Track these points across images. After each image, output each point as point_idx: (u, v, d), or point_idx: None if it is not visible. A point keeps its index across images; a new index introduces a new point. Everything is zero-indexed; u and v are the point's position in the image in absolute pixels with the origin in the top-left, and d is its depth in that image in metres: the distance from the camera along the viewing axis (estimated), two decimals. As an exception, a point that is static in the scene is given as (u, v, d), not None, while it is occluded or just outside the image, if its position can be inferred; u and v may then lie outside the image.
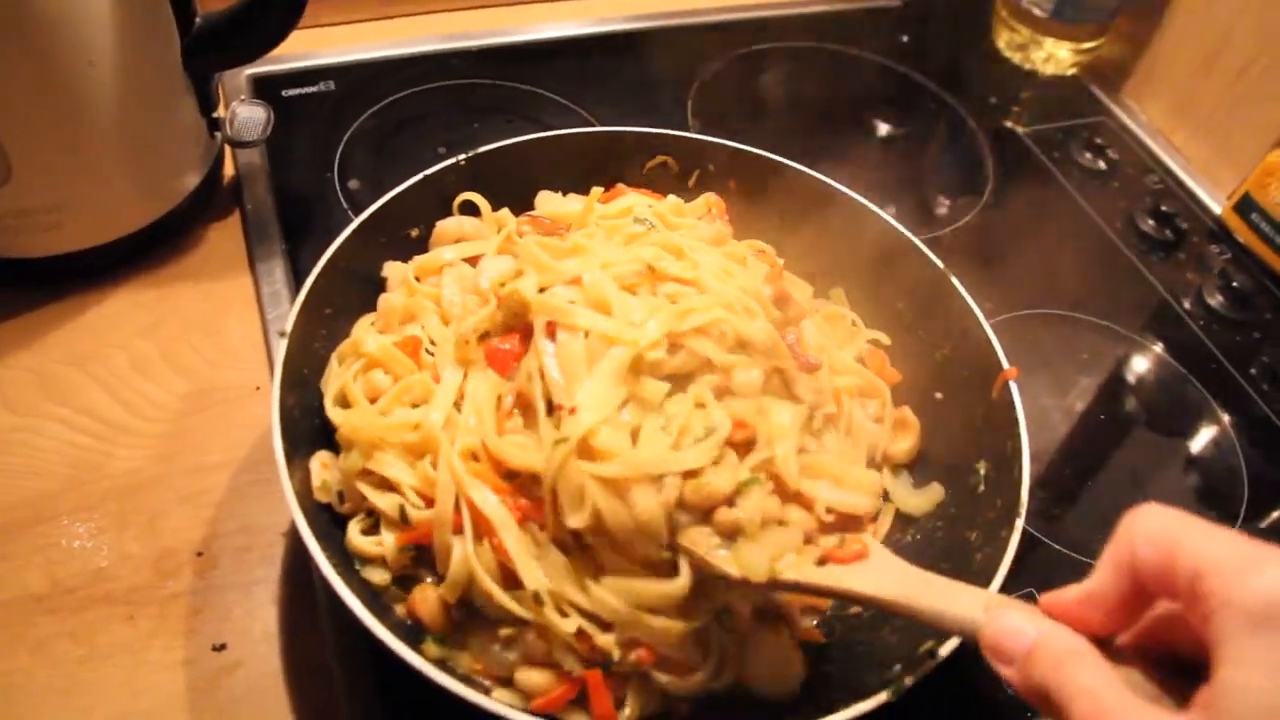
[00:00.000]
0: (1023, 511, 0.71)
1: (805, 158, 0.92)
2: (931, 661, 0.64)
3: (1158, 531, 0.47)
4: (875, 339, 0.89)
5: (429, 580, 0.70)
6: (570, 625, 0.63)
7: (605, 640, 0.64)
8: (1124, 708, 0.45)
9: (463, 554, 0.65)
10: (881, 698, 0.62)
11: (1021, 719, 0.78)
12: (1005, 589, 0.84)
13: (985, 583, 0.67)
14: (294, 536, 0.80)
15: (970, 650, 0.79)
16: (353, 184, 1.04)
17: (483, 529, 0.65)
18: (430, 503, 0.68)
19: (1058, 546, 0.89)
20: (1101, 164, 1.25)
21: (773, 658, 0.70)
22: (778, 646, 0.70)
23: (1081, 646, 0.48)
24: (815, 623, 0.75)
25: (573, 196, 0.90)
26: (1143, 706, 0.45)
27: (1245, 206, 1.18)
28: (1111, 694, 0.45)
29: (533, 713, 0.63)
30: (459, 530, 0.66)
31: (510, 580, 0.66)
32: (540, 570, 0.65)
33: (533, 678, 0.65)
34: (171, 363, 0.90)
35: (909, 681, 0.63)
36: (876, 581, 0.63)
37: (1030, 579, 0.86)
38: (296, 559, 0.79)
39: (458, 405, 0.71)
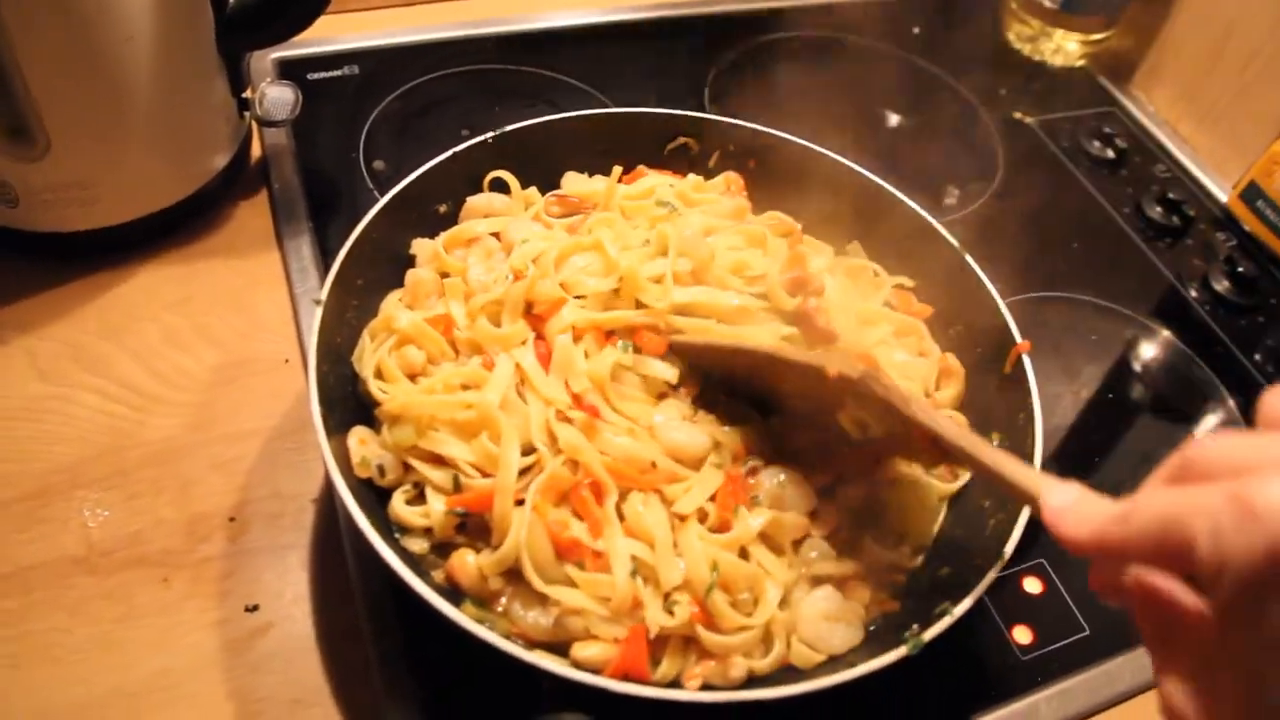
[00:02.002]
0: (1038, 480, 0.73)
1: (819, 145, 0.94)
2: (948, 619, 0.66)
3: None
4: (899, 283, 0.91)
5: (469, 547, 0.71)
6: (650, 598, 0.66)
7: (653, 611, 0.66)
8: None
9: (518, 533, 0.66)
10: (901, 651, 0.64)
11: (1029, 680, 0.80)
12: (1022, 558, 0.87)
13: (999, 550, 0.70)
14: (325, 503, 0.82)
15: (977, 617, 0.82)
16: (377, 164, 1.06)
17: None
18: (485, 477, 0.70)
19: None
20: (1110, 153, 1.27)
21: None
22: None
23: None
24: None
25: (598, 177, 0.92)
26: None
27: (1251, 194, 1.20)
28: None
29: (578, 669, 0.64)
30: (519, 502, 0.68)
31: (565, 552, 0.67)
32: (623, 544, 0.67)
33: (588, 651, 0.65)
34: (202, 335, 0.92)
35: (926, 637, 0.65)
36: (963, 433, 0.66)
37: (1042, 553, 0.88)
38: (328, 525, 0.81)
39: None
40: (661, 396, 0.77)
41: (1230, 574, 0.39)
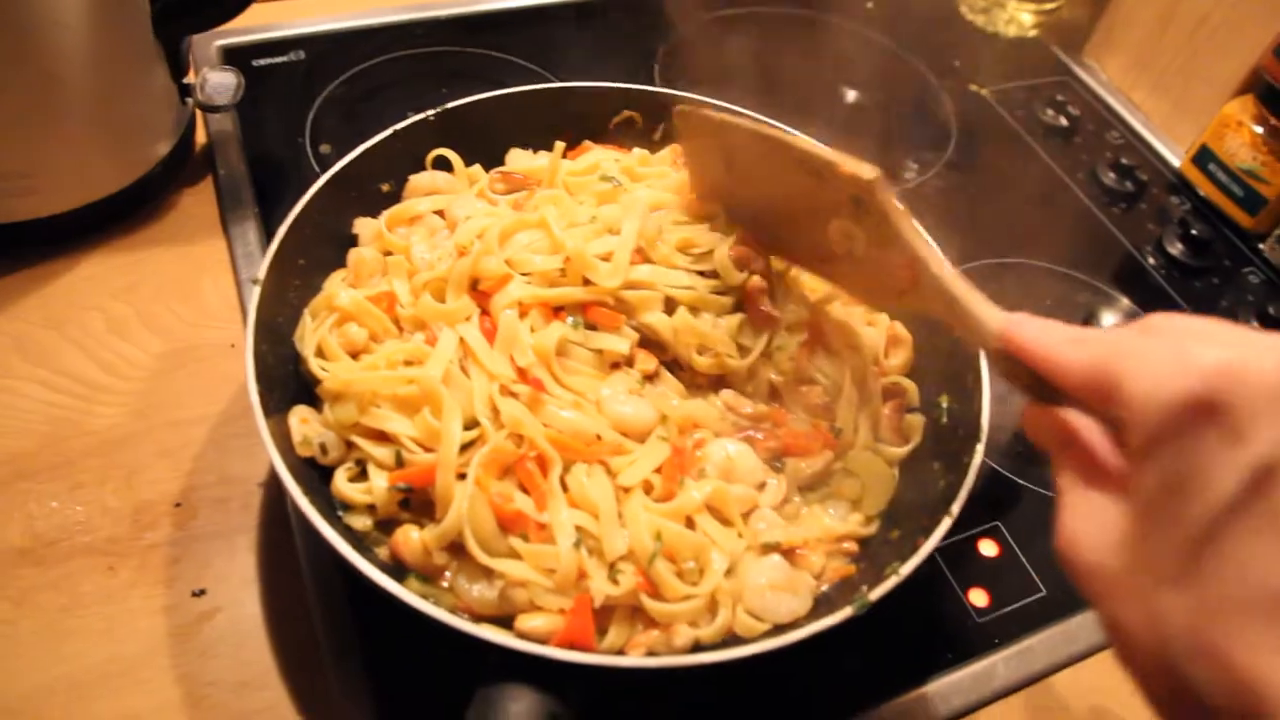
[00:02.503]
0: (983, 438, 0.73)
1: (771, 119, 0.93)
2: (894, 579, 0.65)
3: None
4: None
5: (413, 523, 0.70)
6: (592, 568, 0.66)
7: (598, 581, 0.65)
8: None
9: (460, 506, 0.65)
10: (847, 612, 0.64)
11: (987, 642, 0.81)
12: (977, 522, 0.87)
13: (948, 508, 0.69)
14: (272, 486, 0.82)
15: (934, 581, 0.82)
16: (324, 148, 1.06)
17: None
18: (428, 452, 0.69)
19: (1031, 485, 0.92)
20: (1064, 121, 1.28)
21: None
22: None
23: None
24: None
25: (542, 153, 0.91)
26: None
27: (1203, 158, 1.21)
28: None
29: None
30: (460, 477, 0.67)
31: (509, 525, 0.67)
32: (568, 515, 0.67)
33: (534, 623, 0.65)
34: (148, 323, 0.91)
35: (872, 597, 0.65)
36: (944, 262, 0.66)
37: (997, 516, 0.88)
38: (275, 508, 0.81)
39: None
40: (615, 367, 0.76)
41: (1154, 411, 0.43)
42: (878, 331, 0.85)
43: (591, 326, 0.76)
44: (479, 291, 0.77)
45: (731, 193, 0.81)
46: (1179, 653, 0.42)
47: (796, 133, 0.84)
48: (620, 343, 0.75)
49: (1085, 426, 0.52)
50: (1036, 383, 0.53)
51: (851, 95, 1.30)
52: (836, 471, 0.78)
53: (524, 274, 0.77)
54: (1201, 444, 0.41)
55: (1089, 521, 0.48)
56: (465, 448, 0.69)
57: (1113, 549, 0.46)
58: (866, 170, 0.68)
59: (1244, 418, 0.41)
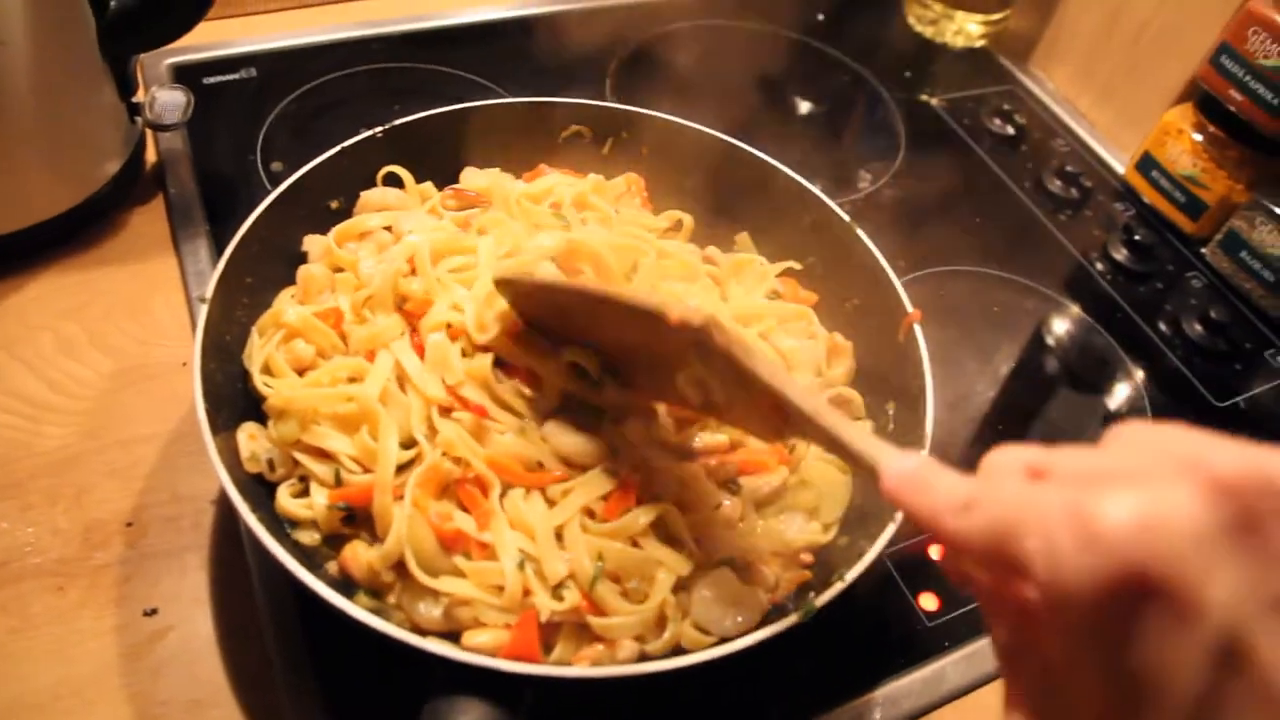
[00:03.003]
0: (927, 444, 0.74)
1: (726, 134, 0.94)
2: (840, 584, 0.66)
3: None
4: (786, 268, 0.91)
5: (361, 538, 0.70)
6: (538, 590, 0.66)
7: (542, 598, 0.66)
8: None
9: (399, 529, 0.66)
10: (792, 619, 0.65)
11: (937, 646, 0.82)
12: (918, 532, 0.88)
13: (893, 513, 0.70)
14: (223, 504, 0.82)
15: (883, 586, 0.83)
16: (275, 166, 1.06)
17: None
18: (367, 470, 0.70)
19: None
20: (1010, 129, 1.30)
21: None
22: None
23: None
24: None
25: (492, 170, 0.92)
26: None
27: (1145, 165, 1.23)
28: None
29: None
30: (399, 497, 0.67)
31: (450, 544, 0.67)
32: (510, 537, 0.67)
33: (479, 639, 0.65)
34: (98, 343, 0.91)
35: (819, 603, 0.66)
36: (806, 395, 0.60)
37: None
38: (226, 525, 0.80)
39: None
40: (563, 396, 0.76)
41: (1072, 602, 0.35)
42: (817, 344, 0.86)
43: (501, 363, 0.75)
44: (406, 311, 0.77)
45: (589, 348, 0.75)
46: None
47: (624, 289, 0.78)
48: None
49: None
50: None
51: (804, 107, 1.32)
52: (792, 485, 0.78)
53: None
54: (1145, 632, 0.34)
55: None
56: (404, 467, 0.69)
57: None
58: (695, 316, 0.62)
59: (1185, 585, 0.33)
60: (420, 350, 0.74)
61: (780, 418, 0.62)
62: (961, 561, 0.44)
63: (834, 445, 0.57)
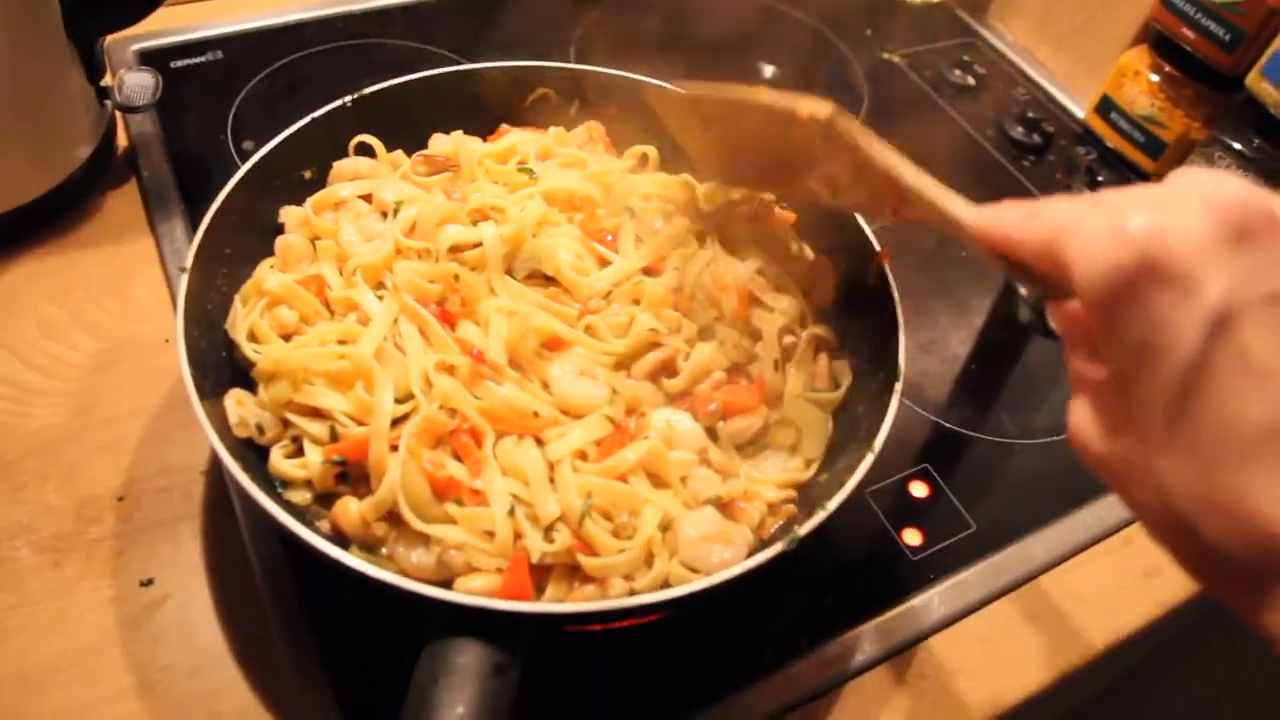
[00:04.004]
0: (900, 377, 0.76)
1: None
2: (822, 513, 0.68)
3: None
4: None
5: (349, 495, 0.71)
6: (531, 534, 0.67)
7: (533, 539, 0.67)
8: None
9: (393, 474, 0.67)
10: (778, 548, 0.66)
11: (922, 579, 0.84)
12: (907, 465, 0.91)
13: (870, 444, 0.71)
14: (214, 474, 0.83)
15: (867, 523, 0.85)
16: (247, 145, 1.06)
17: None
18: (362, 425, 0.71)
19: (955, 428, 0.96)
20: (971, 80, 1.32)
21: None
22: None
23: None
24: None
25: (456, 133, 0.93)
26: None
27: (1104, 107, 1.25)
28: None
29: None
30: (393, 448, 0.68)
31: (442, 491, 0.68)
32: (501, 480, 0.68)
33: (473, 584, 0.66)
34: (80, 324, 0.91)
35: (802, 533, 0.67)
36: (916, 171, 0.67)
37: (926, 458, 0.92)
38: (218, 494, 0.81)
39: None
40: (559, 345, 0.77)
41: (1099, 283, 0.44)
42: (803, 265, 0.88)
43: None
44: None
45: (737, 161, 0.85)
46: (1190, 515, 0.42)
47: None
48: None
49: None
50: (1024, 269, 0.54)
51: (769, 70, 1.33)
52: (773, 424, 0.80)
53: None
54: (1156, 306, 0.42)
55: (1089, 411, 0.49)
56: (400, 421, 0.70)
57: (1114, 434, 0.47)
58: (821, 108, 0.71)
59: (1188, 271, 0.41)
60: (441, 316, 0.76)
61: (895, 195, 0.69)
62: (1057, 309, 0.53)
63: (935, 211, 0.64)
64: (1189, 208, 0.43)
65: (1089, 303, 0.45)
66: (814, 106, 0.71)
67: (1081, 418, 0.49)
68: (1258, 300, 0.41)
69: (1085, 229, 0.45)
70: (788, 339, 0.82)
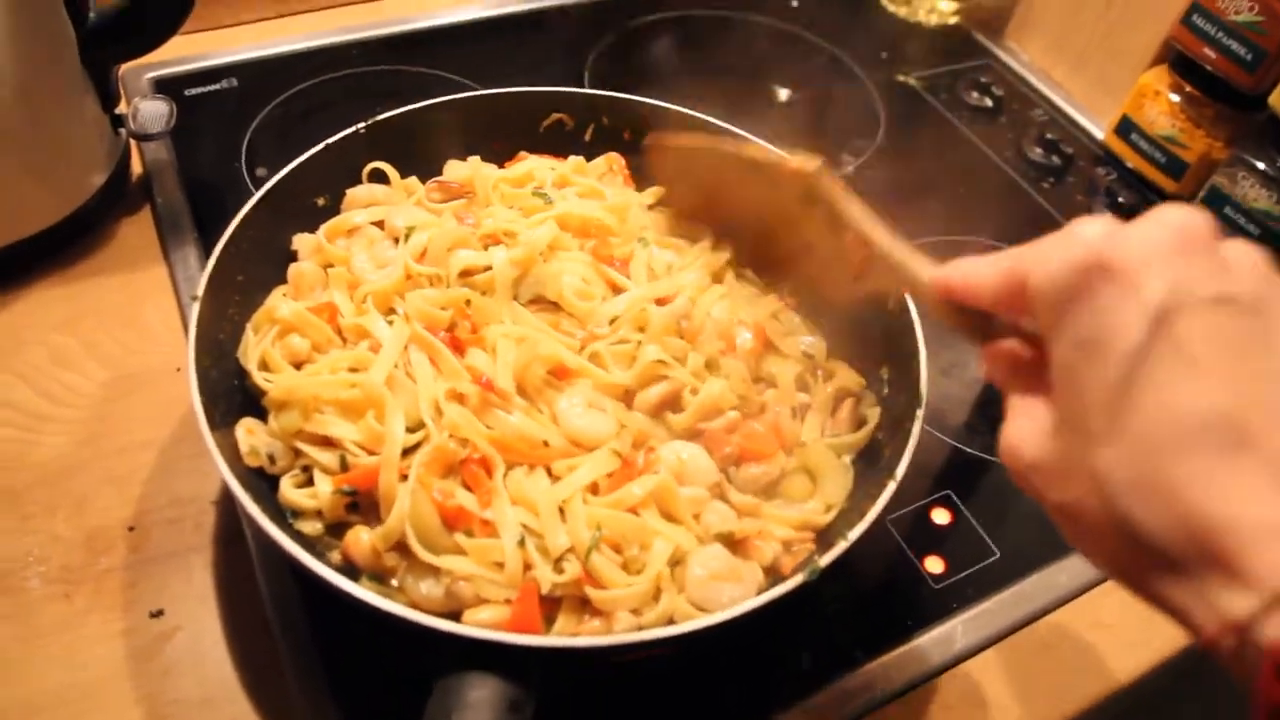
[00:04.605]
0: (923, 403, 0.74)
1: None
2: (843, 543, 0.66)
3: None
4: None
5: (363, 526, 0.70)
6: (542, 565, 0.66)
7: (543, 570, 0.66)
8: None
9: (402, 504, 0.66)
10: (799, 579, 0.65)
11: (944, 608, 0.82)
12: (928, 492, 0.89)
13: (892, 473, 0.70)
14: (225, 504, 0.82)
15: (889, 552, 0.84)
16: (261, 171, 1.06)
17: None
18: (372, 455, 0.70)
19: (978, 453, 0.94)
20: (988, 101, 1.31)
21: None
22: None
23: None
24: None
25: (473, 159, 0.92)
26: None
27: (1124, 128, 1.24)
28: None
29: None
30: (403, 478, 0.67)
31: (452, 521, 0.67)
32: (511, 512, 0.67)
33: (481, 615, 0.65)
34: (91, 352, 0.91)
35: (823, 563, 0.66)
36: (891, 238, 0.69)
37: (949, 485, 0.90)
38: (228, 524, 0.81)
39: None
40: (566, 375, 0.77)
41: (1051, 281, 0.47)
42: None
43: None
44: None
45: (709, 210, 0.87)
46: (1129, 506, 0.43)
47: (753, 138, 0.89)
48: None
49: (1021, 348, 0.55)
50: (974, 322, 0.57)
51: (784, 94, 1.32)
52: (790, 472, 0.78)
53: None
54: (1101, 300, 0.44)
55: (1025, 420, 0.51)
56: (411, 450, 0.69)
57: (1048, 435, 0.49)
58: (809, 163, 0.74)
59: (1134, 269, 0.44)
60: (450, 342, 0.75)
61: (863, 259, 0.71)
62: (991, 351, 0.55)
63: (899, 272, 0.66)
64: (1141, 224, 0.46)
65: (1043, 305, 0.47)
66: (802, 161, 0.75)
67: (1017, 429, 0.51)
68: (1196, 301, 0.43)
69: (1043, 244, 0.49)
70: (800, 396, 0.81)
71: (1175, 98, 1.19)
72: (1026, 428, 0.50)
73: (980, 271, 0.54)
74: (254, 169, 1.07)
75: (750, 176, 0.81)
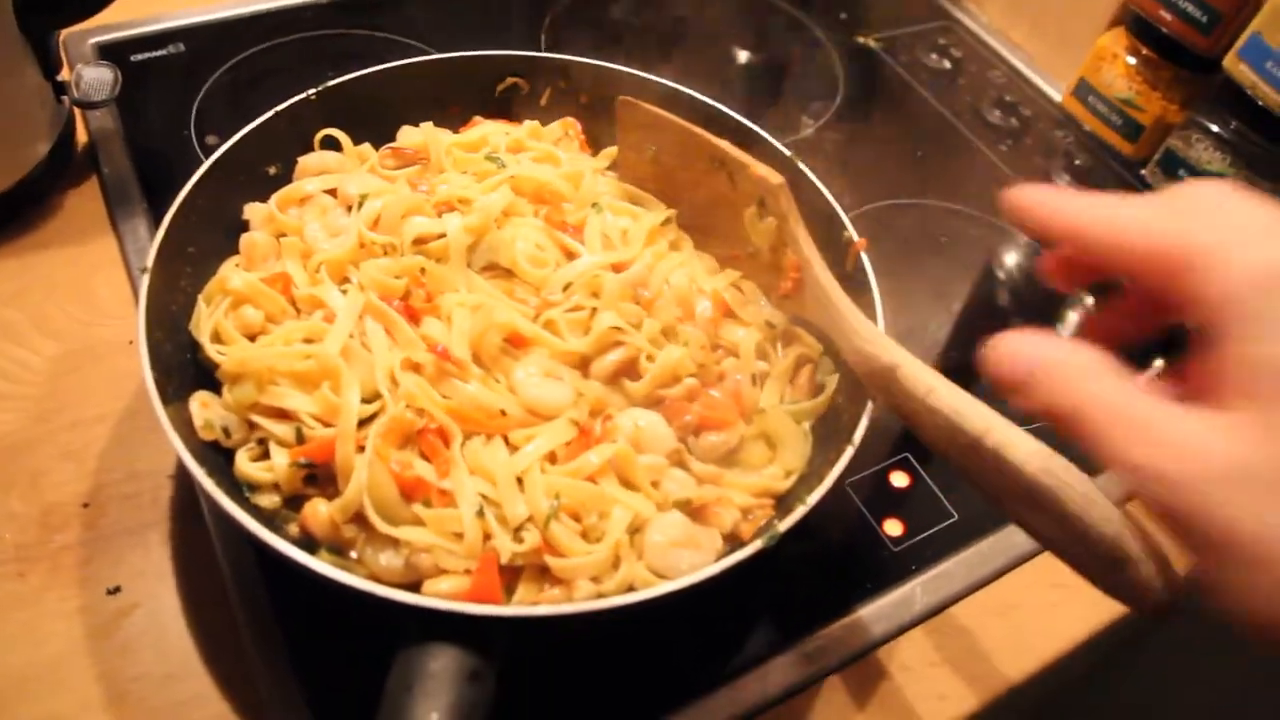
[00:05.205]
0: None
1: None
2: (802, 508, 0.67)
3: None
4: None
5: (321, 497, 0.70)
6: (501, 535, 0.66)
7: (502, 540, 0.66)
8: (1145, 411, 0.43)
9: (359, 476, 0.65)
10: (757, 545, 0.65)
11: (904, 569, 0.83)
12: (887, 455, 0.90)
13: (849, 437, 0.71)
14: (182, 478, 0.81)
15: (847, 515, 0.84)
16: (211, 139, 1.04)
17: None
18: (328, 427, 0.69)
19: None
20: (946, 63, 1.31)
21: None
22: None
23: (1081, 358, 0.47)
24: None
25: (426, 125, 0.91)
26: (1164, 405, 0.43)
27: (1082, 91, 1.24)
28: (1125, 399, 0.44)
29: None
30: (360, 449, 0.67)
31: (410, 492, 0.67)
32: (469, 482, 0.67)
33: (441, 586, 0.65)
34: (40, 327, 0.89)
35: (782, 528, 0.66)
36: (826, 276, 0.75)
37: (907, 448, 0.91)
38: (185, 498, 0.80)
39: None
40: (523, 344, 0.76)
41: (1248, 285, 0.42)
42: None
43: None
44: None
45: (657, 181, 0.88)
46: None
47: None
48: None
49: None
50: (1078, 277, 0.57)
51: (743, 56, 1.31)
52: (748, 439, 0.78)
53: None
54: None
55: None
56: (367, 421, 0.69)
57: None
58: (774, 176, 0.77)
59: None
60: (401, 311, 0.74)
61: (795, 283, 0.77)
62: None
63: (830, 313, 0.71)
64: None
65: (1234, 303, 0.42)
66: (767, 171, 0.78)
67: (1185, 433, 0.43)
68: None
69: (1216, 226, 0.44)
70: (759, 364, 0.81)
71: (1132, 60, 1.19)
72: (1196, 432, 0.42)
73: (1129, 230, 0.47)
74: (204, 137, 1.05)
75: (710, 166, 0.82)
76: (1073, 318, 1.05)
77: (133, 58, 1.12)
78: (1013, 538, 0.87)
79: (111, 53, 1.12)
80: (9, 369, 0.86)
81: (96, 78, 0.96)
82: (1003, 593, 0.84)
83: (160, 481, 0.81)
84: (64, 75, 0.97)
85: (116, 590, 0.75)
